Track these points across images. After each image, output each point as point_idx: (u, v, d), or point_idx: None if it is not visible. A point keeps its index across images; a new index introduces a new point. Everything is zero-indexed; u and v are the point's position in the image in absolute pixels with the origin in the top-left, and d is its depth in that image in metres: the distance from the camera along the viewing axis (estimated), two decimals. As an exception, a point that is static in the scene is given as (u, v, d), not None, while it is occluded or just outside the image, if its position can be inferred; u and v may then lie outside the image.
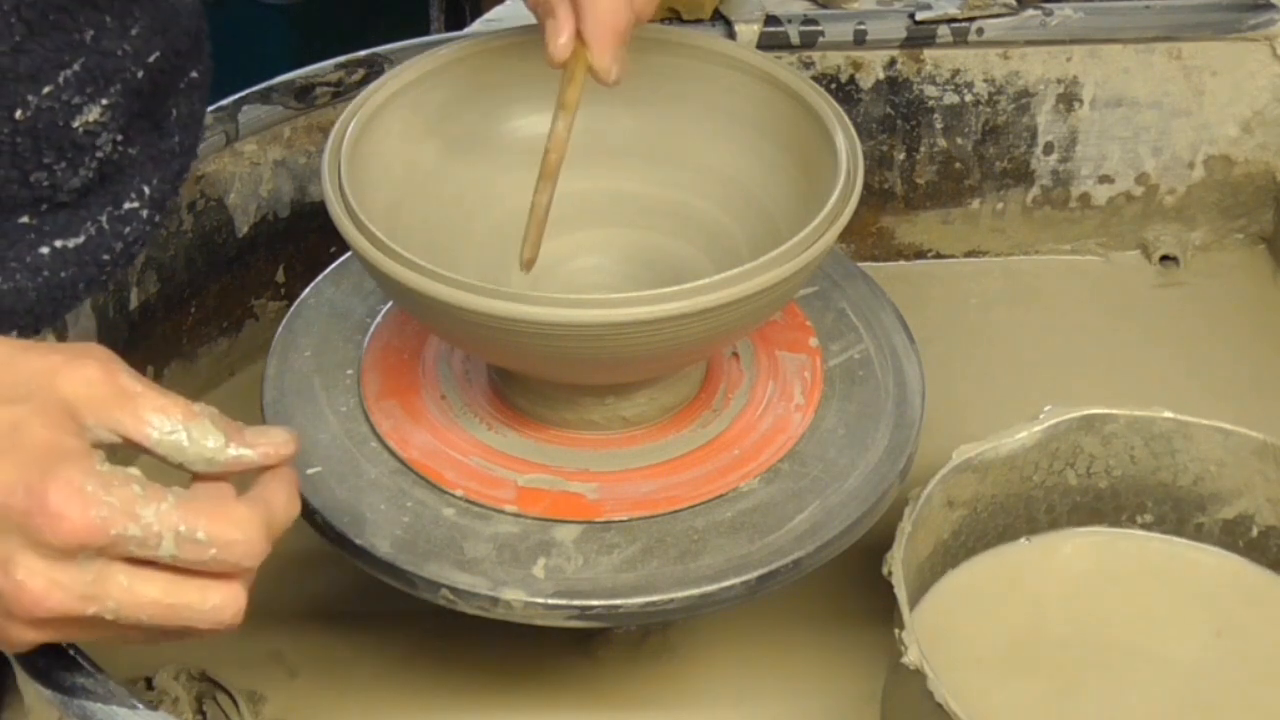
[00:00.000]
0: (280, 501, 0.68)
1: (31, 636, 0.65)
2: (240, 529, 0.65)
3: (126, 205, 0.78)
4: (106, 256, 0.78)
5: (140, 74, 0.77)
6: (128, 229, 0.78)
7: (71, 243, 0.76)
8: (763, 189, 0.88)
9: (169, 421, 0.65)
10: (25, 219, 0.75)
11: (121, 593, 0.64)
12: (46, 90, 0.73)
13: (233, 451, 0.67)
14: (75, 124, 0.74)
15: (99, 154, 0.76)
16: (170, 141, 0.80)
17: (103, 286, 0.82)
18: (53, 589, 0.63)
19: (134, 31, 0.76)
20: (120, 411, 0.64)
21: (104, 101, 0.75)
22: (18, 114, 0.72)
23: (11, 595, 0.63)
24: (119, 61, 0.76)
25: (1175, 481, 0.93)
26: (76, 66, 0.73)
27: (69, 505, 0.62)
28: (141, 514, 0.63)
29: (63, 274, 0.76)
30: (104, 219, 0.77)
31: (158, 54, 0.78)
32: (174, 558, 0.64)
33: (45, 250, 0.75)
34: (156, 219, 0.80)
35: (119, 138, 0.77)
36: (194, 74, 0.82)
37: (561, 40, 0.78)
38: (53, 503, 0.61)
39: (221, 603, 0.65)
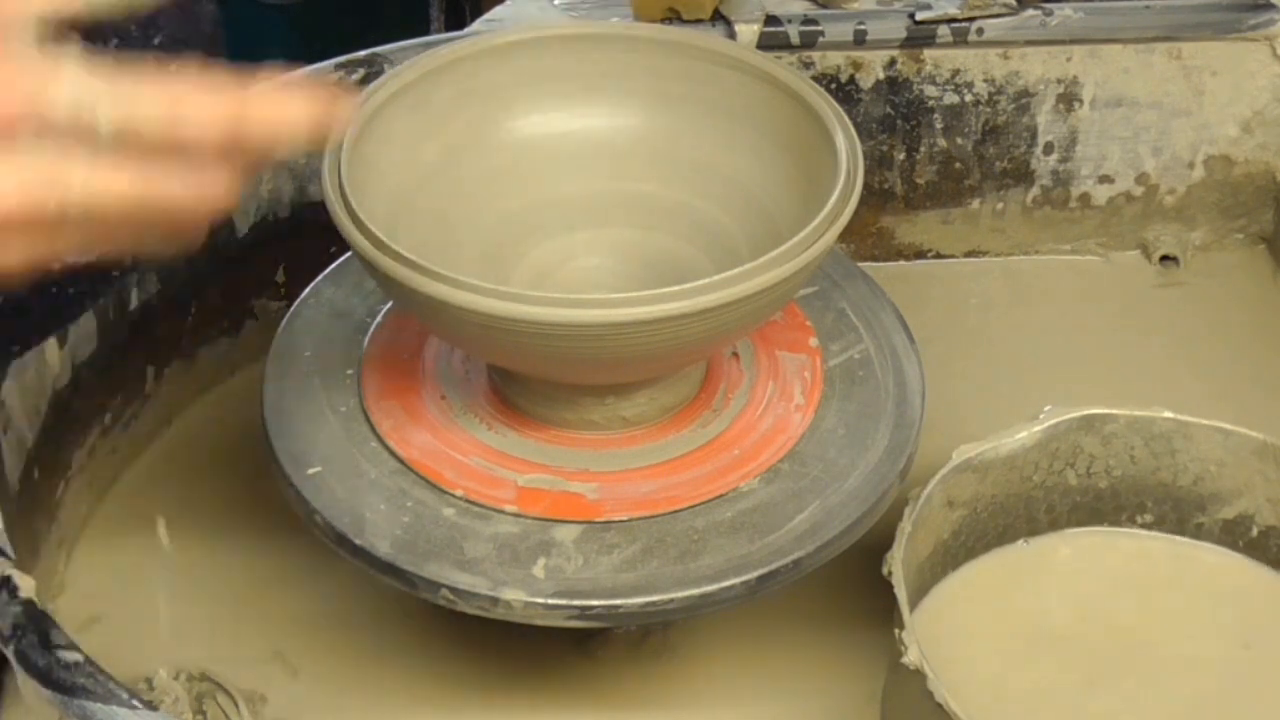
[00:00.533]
0: (265, 99, 0.62)
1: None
2: (191, 102, 0.60)
3: None
4: (115, 273, 0.77)
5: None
6: None
7: (84, 259, 0.76)
8: (763, 189, 0.88)
9: None
10: None
11: (85, 178, 0.59)
12: None
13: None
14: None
15: None
16: None
17: (104, 296, 0.82)
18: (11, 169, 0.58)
19: (157, 41, 0.76)
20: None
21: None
22: None
23: None
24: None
25: (1175, 481, 0.93)
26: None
27: None
28: (74, 85, 0.58)
29: (70, 290, 0.76)
30: None
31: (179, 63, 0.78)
32: (114, 135, 0.59)
33: (55, 265, 0.75)
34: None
35: None
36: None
37: None
38: None
39: (191, 190, 0.61)
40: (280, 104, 0.62)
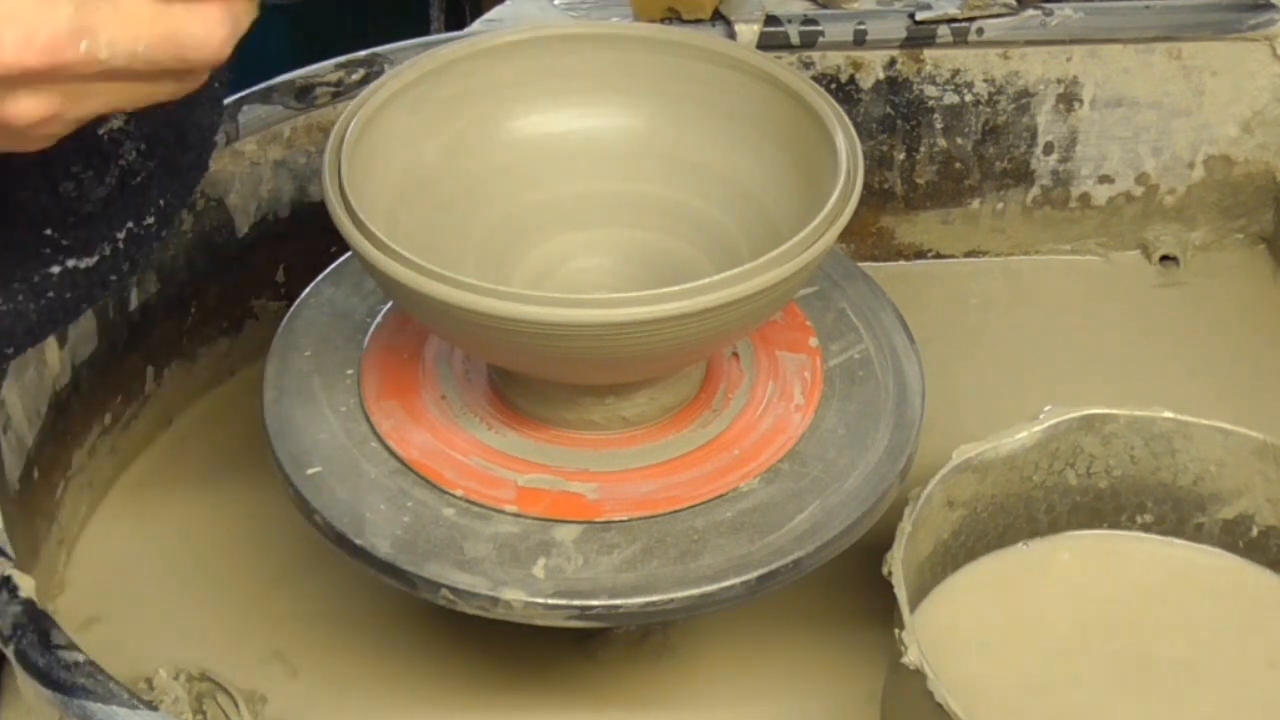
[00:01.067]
0: None
1: (21, 106, 0.61)
2: None
3: (146, 221, 0.78)
4: (114, 278, 0.77)
5: None
6: (139, 249, 0.78)
7: (84, 263, 0.75)
8: (763, 189, 0.88)
9: None
10: (49, 231, 0.74)
11: (110, 19, 0.60)
12: None
13: None
14: (100, 130, 0.74)
15: (122, 162, 0.75)
16: (189, 155, 0.80)
17: (101, 300, 0.82)
18: (37, 19, 0.58)
19: None
20: None
21: (129, 109, 0.74)
22: None
23: None
24: None
25: (1175, 481, 0.93)
26: None
27: None
28: None
29: (67, 295, 0.75)
30: (122, 237, 0.77)
31: None
32: None
33: (55, 270, 0.74)
34: (163, 234, 0.79)
35: (141, 146, 0.76)
36: (215, 84, 0.82)
37: None
38: None
39: (207, 29, 0.62)
40: None
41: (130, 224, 0.77)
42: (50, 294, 0.75)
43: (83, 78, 0.62)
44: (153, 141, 0.76)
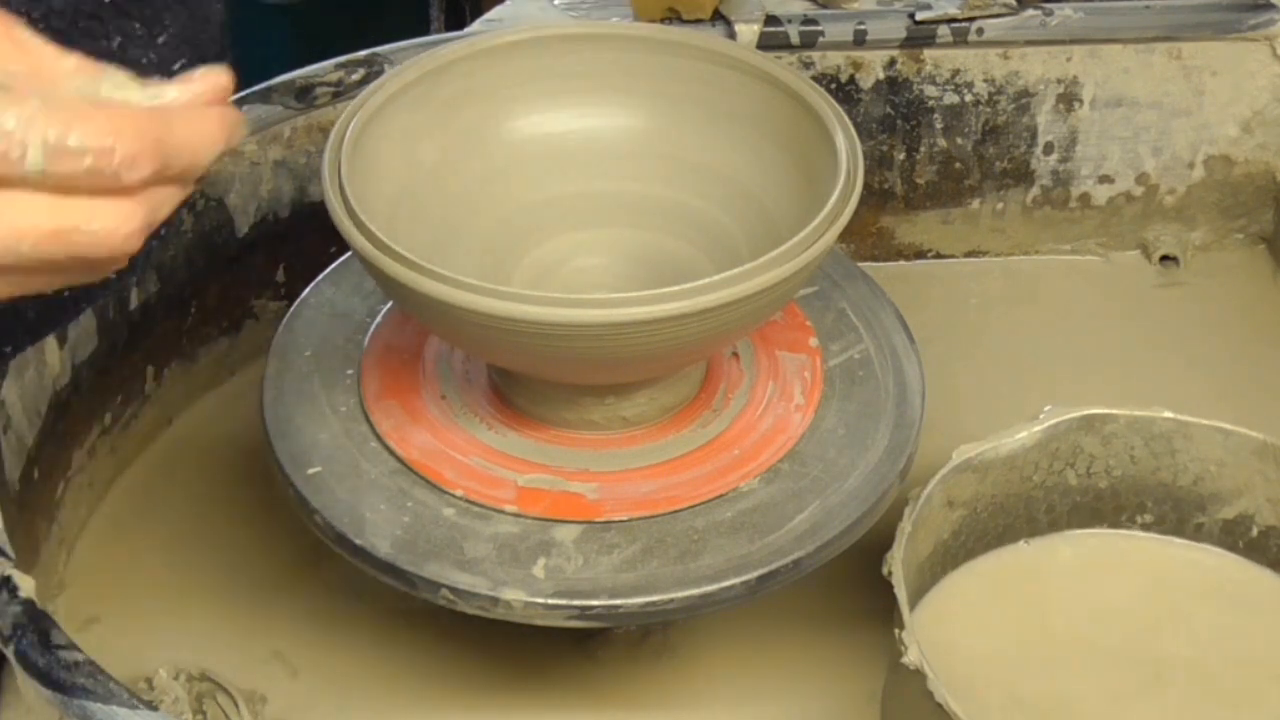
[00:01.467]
0: (187, 121, 0.59)
1: None
2: (120, 134, 0.57)
3: None
4: (113, 275, 0.77)
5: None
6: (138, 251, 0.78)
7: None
8: (763, 189, 0.88)
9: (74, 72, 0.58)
10: None
11: (7, 219, 0.56)
12: None
13: (149, 92, 0.58)
14: None
15: None
16: None
17: (100, 300, 0.81)
18: None
19: (161, 40, 0.75)
20: (14, 58, 0.57)
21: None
22: None
23: None
24: (143, 70, 0.74)
25: (1175, 481, 0.93)
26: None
27: None
28: (1, 120, 0.55)
29: (65, 294, 0.75)
30: None
31: (183, 62, 0.77)
32: (44, 174, 0.56)
33: None
34: (161, 232, 0.79)
35: None
36: None
37: None
38: None
39: (112, 224, 0.58)
40: (197, 124, 0.60)
41: None
42: (49, 293, 0.75)
43: None
44: None
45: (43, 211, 0.57)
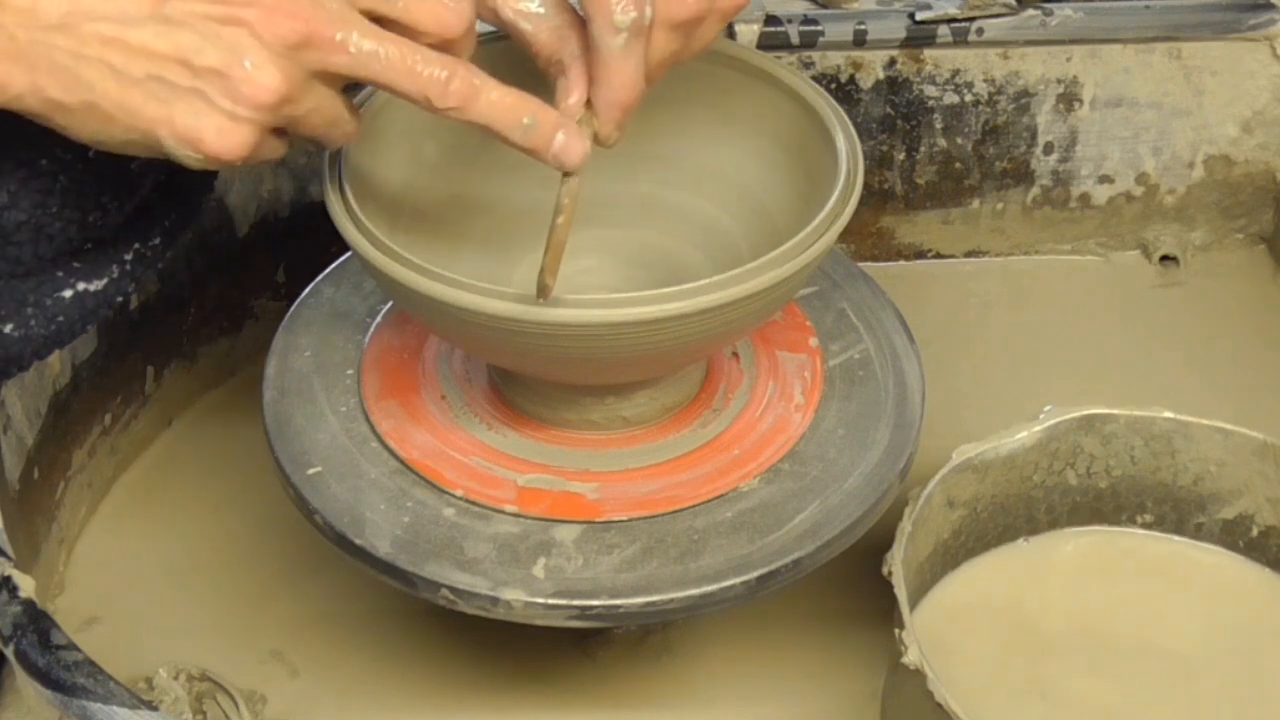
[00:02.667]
0: None
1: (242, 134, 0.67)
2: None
3: (152, 242, 0.78)
4: (120, 299, 0.78)
5: None
6: (145, 270, 0.78)
7: (93, 286, 0.76)
8: (763, 189, 0.88)
9: None
10: (65, 257, 0.75)
11: (363, 36, 0.68)
12: None
13: None
14: (133, 165, 0.74)
15: (142, 191, 0.76)
16: (197, 177, 0.80)
17: (104, 319, 0.82)
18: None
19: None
20: None
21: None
22: (92, 153, 0.72)
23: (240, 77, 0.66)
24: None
25: (1175, 481, 0.93)
26: None
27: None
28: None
29: (75, 317, 0.76)
30: (129, 258, 0.77)
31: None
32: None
33: (67, 294, 0.75)
34: (167, 253, 0.80)
35: (162, 177, 0.77)
36: None
37: (570, 101, 0.77)
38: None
39: (448, 73, 0.70)
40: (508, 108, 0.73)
41: (137, 244, 0.77)
42: (60, 318, 0.75)
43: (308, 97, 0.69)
44: (172, 168, 0.77)
45: (396, 41, 0.70)
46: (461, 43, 0.72)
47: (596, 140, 0.77)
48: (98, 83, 0.66)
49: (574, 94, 0.76)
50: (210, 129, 0.67)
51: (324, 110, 0.71)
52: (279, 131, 0.71)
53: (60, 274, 0.75)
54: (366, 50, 0.68)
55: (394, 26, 0.70)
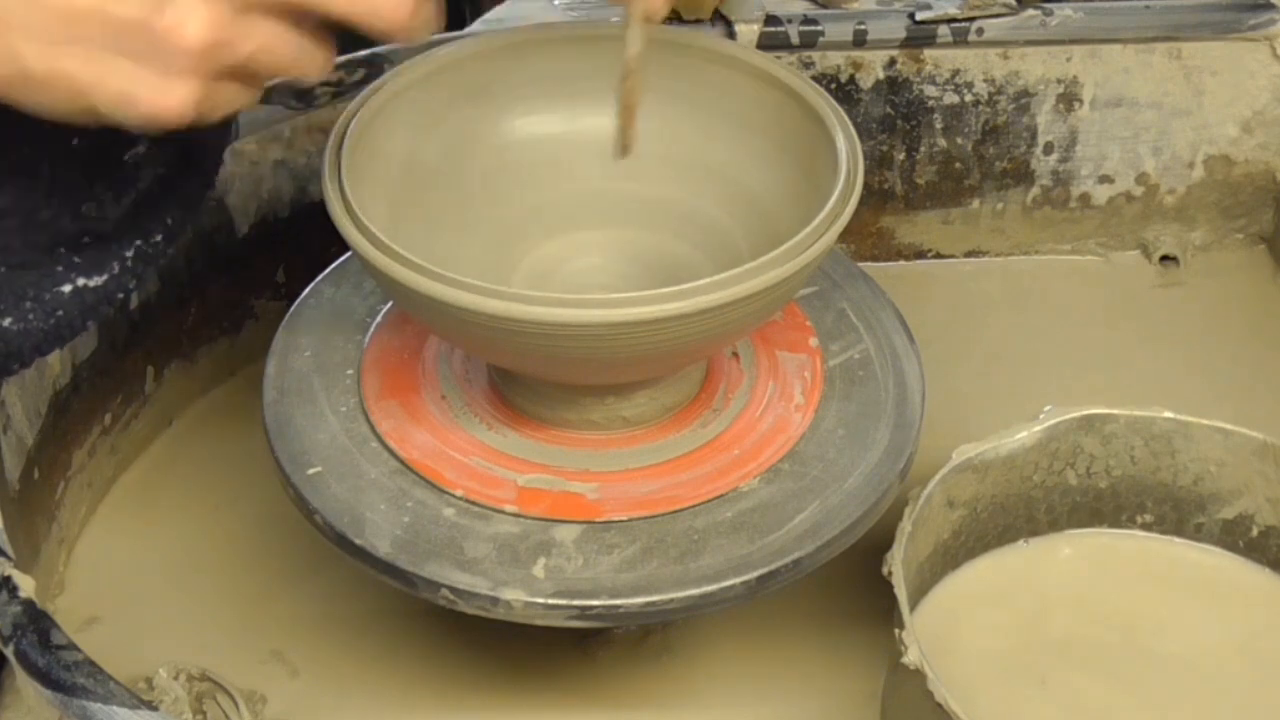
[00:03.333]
0: None
1: (181, 91, 0.64)
2: None
3: (154, 239, 0.78)
4: (121, 295, 0.77)
5: None
6: (146, 267, 0.78)
7: (94, 282, 0.75)
8: (763, 189, 0.88)
9: None
10: (63, 251, 0.74)
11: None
12: None
13: None
14: (126, 156, 0.74)
15: (140, 184, 0.76)
16: (199, 175, 0.80)
17: (106, 316, 0.82)
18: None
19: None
20: None
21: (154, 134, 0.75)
22: (75, 141, 0.71)
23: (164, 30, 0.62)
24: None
25: (1175, 481, 0.93)
26: None
27: None
28: None
29: (76, 313, 0.76)
30: (130, 255, 0.77)
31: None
32: None
33: (67, 289, 0.75)
34: (169, 251, 0.80)
35: (160, 170, 0.76)
36: None
37: None
38: None
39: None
40: None
41: (139, 242, 0.77)
42: (60, 312, 0.75)
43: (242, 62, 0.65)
44: (171, 163, 0.77)
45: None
46: None
47: (648, 16, 0.79)
48: (26, 50, 0.63)
49: None
50: (144, 89, 0.64)
51: (276, 48, 0.66)
52: (238, 78, 0.67)
53: (60, 269, 0.75)
54: None
55: None
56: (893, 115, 1.12)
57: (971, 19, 1.10)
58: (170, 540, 0.97)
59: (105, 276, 0.76)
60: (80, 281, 0.75)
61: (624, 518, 0.82)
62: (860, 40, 1.09)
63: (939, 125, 1.13)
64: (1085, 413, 0.92)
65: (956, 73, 1.12)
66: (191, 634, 0.91)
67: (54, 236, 0.73)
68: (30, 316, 0.74)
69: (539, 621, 0.79)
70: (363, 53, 1.06)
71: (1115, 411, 0.92)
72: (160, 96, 0.64)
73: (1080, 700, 0.88)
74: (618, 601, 0.79)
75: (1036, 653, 0.90)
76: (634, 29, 0.79)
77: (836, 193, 0.81)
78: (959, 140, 1.14)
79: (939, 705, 0.77)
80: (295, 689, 0.90)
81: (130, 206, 0.76)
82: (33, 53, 0.63)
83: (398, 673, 0.90)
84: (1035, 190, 1.17)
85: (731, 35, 1.07)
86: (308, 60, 0.68)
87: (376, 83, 0.87)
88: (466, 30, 1.12)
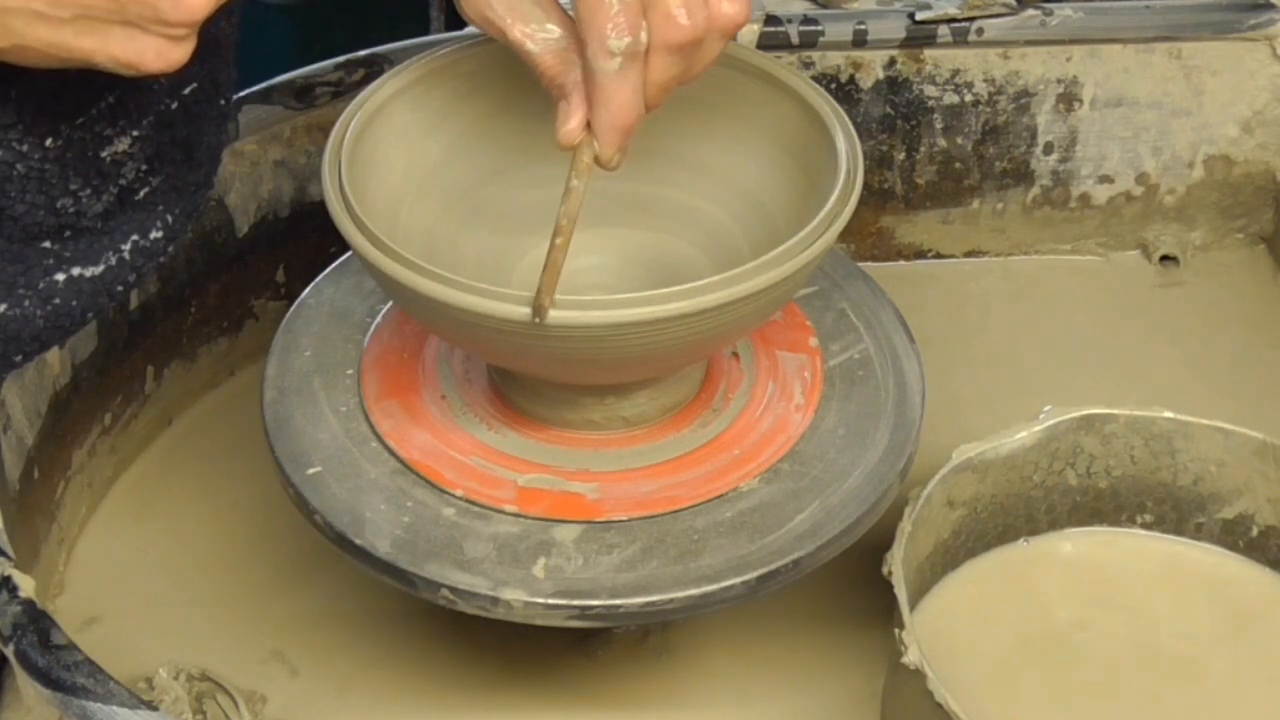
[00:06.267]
0: None
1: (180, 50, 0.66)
2: None
3: (152, 235, 0.78)
4: (120, 288, 0.78)
5: (174, 105, 0.77)
6: (146, 261, 0.78)
7: (89, 271, 0.76)
8: (763, 189, 0.88)
9: None
10: (47, 244, 0.75)
11: None
12: (80, 120, 0.73)
13: None
14: (104, 154, 0.74)
15: (121, 181, 0.76)
16: (198, 172, 0.80)
17: (109, 308, 0.82)
18: None
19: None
20: None
21: (135, 133, 0.75)
22: (49, 141, 0.72)
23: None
24: (154, 95, 0.76)
25: (1175, 481, 0.93)
26: (112, 99, 0.74)
27: None
28: None
29: (74, 302, 0.76)
30: (127, 249, 0.77)
31: (194, 85, 0.78)
32: None
33: (60, 277, 0.75)
34: (170, 249, 0.80)
35: (144, 167, 0.77)
36: (222, 102, 0.82)
37: (571, 125, 0.77)
38: None
39: None
40: None
41: (135, 237, 0.77)
42: (56, 300, 0.75)
43: None
44: (157, 160, 0.77)
45: None
46: None
47: (598, 163, 0.78)
48: (25, 29, 0.65)
49: (574, 118, 0.77)
50: (150, 53, 0.66)
51: None
52: None
53: (49, 260, 0.75)
54: None
55: None
56: (893, 115, 1.13)
57: (971, 19, 1.10)
58: (170, 540, 0.97)
59: (101, 267, 0.76)
60: (75, 271, 0.75)
61: (624, 518, 0.82)
62: (860, 40, 1.09)
63: (939, 125, 1.13)
64: (1085, 413, 0.92)
65: (956, 73, 1.12)
66: (191, 634, 0.91)
67: (30, 229, 0.74)
68: (26, 303, 0.74)
69: (539, 621, 0.79)
70: (362, 53, 1.06)
71: (1115, 411, 0.92)
72: (166, 57, 0.67)
73: (1080, 699, 0.88)
74: (618, 601, 0.79)
75: (1036, 652, 0.90)
76: (577, 183, 0.78)
77: (836, 192, 0.81)
78: (959, 140, 1.14)
79: (939, 705, 0.77)
80: (295, 689, 0.90)
81: (115, 202, 0.76)
82: (37, 31, 0.66)
83: (398, 673, 0.90)
84: (1035, 190, 1.17)
85: (731, 35, 1.07)
86: None
87: (376, 83, 0.87)
88: (466, 30, 1.12)
